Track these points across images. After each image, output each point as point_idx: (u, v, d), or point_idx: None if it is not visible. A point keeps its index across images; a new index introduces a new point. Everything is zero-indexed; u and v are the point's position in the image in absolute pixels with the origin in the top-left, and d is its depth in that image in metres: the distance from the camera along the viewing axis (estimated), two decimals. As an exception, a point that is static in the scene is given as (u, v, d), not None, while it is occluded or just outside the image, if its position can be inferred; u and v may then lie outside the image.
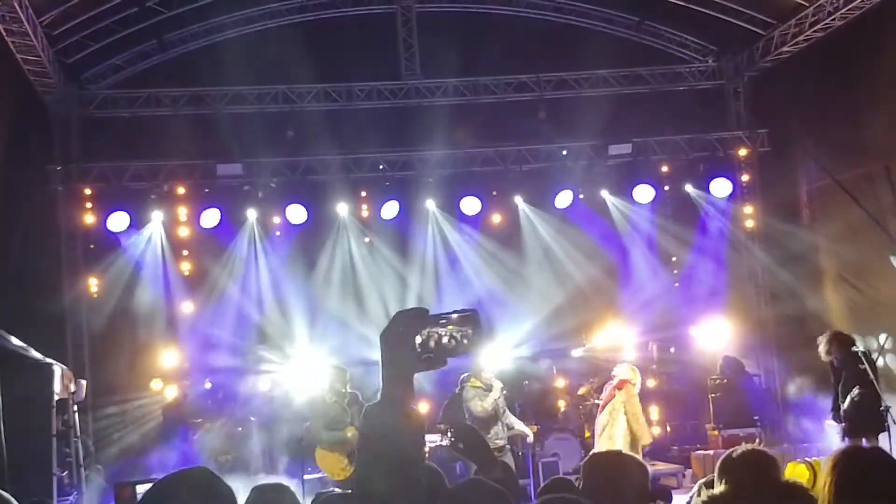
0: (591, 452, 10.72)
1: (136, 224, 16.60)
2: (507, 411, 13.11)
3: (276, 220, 17.24)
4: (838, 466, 3.75)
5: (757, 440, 14.09)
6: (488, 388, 12.93)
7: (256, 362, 16.52)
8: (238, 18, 17.20)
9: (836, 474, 3.72)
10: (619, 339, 16.53)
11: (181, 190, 16.71)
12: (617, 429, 12.85)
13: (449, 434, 14.04)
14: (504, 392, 13.08)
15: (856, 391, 11.49)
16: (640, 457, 12.16)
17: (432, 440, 13.91)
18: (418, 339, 2.65)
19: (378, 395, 2.67)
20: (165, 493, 2.97)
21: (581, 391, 15.75)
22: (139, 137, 16.80)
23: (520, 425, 13.24)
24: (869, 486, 3.62)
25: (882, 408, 11.48)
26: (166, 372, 16.25)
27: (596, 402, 14.83)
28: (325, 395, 13.02)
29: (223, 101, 17.09)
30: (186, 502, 2.94)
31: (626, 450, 12.44)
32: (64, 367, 14.46)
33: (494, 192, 17.61)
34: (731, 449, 4.80)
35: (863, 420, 11.49)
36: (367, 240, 17.69)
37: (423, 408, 16.24)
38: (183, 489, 2.94)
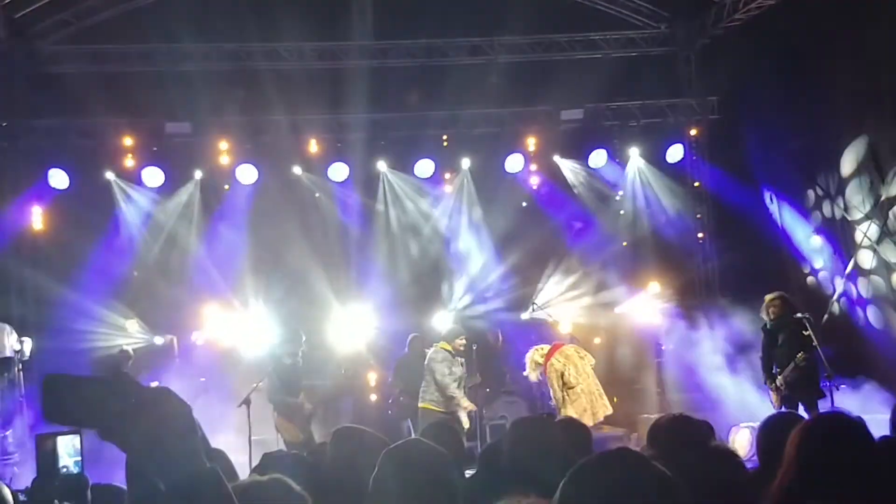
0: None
1: (80, 181, 16.44)
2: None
3: (226, 182, 17.16)
4: (804, 436, 3.65)
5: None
6: (455, 353, 13.00)
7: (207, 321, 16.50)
8: (189, -26, 16.95)
9: (801, 445, 3.62)
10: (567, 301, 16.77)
11: (129, 155, 16.59)
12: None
13: (400, 397, 14.22)
14: (464, 369, 13.20)
15: (801, 356, 11.59)
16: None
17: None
18: None
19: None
20: None
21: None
22: (87, 94, 16.50)
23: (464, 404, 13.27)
24: (836, 456, 3.52)
25: (825, 374, 11.67)
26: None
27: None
28: (281, 356, 13.00)
29: (172, 58, 16.86)
30: None
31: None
32: (7, 325, 14.34)
33: (446, 155, 17.64)
34: (660, 415, 4.89)
35: (804, 388, 11.65)
36: (317, 195, 17.61)
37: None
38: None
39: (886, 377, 13.82)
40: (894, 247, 14.40)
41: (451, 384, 12.78)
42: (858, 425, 3.64)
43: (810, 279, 16.87)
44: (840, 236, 15.87)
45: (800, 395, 11.62)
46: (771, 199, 17.48)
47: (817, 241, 16.57)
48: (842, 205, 15.45)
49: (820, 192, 16.14)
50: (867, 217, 14.63)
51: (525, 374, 13.41)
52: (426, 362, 13.10)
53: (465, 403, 12.87)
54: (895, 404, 5.51)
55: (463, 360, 13.12)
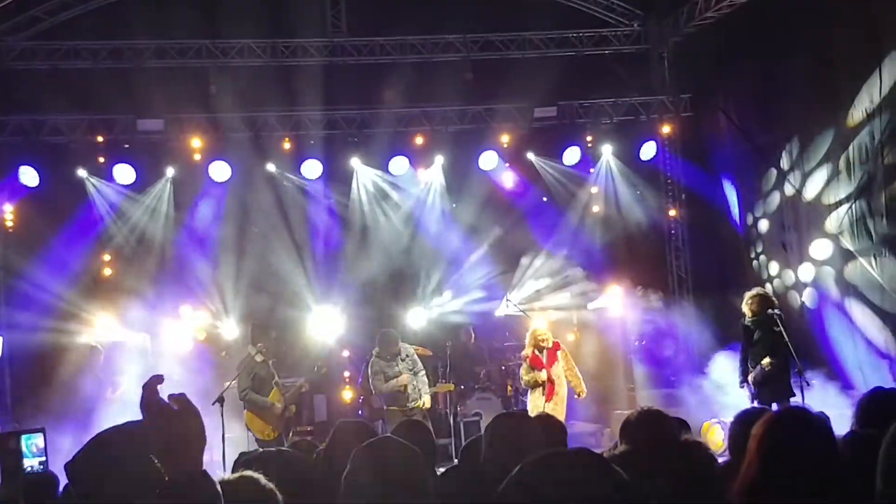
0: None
1: (51, 178, 16.36)
2: (420, 374, 13.26)
3: (199, 179, 17.08)
4: (765, 431, 3.67)
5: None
6: (394, 357, 13.04)
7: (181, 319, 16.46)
8: (161, -29, 16.86)
9: (762, 439, 3.64)
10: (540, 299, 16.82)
11: (101, 153, 16.53)
12: (563, 391, 13.09)
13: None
14: (410, 356, 13.22)
15: (767, 360, 11.75)
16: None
17: None
18: None
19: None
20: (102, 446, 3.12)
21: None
22: (58, 91, 16.40)
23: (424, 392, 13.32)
24: (796, 450, 3.55)
25: (796, 370, 11.78)
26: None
27: (520, 362, 14.97)
28: (254, 354, 12.95)
29: (145, 54, 16.77)
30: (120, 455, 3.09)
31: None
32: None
33: (420, 152, 17.67)
34: (632, 411, 4.92)
35: (772, 387, 11.76)
36: (290, 191, 17.52)
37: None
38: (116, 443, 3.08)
39: (817, 358, 14.03)
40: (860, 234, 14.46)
41: (384, 389, 13.01)
42: (819, 421, 3.69)
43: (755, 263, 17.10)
44: (795, 221, 16.00)
45: (770, 391, 11.73)
46: (736, 195, 17.63)
47: (764, 225, 16.78)
48: (809, 193, 15.51)
49: (782, 171, 16.19)
50: (846, 200, 14.64)
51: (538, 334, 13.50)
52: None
53: (392, 385, 13.03)
54: (860, 398, 5.56)
55: (406, 355, 13.20)
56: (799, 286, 15.87)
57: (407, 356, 13.25)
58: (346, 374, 16.38)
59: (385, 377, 13.01)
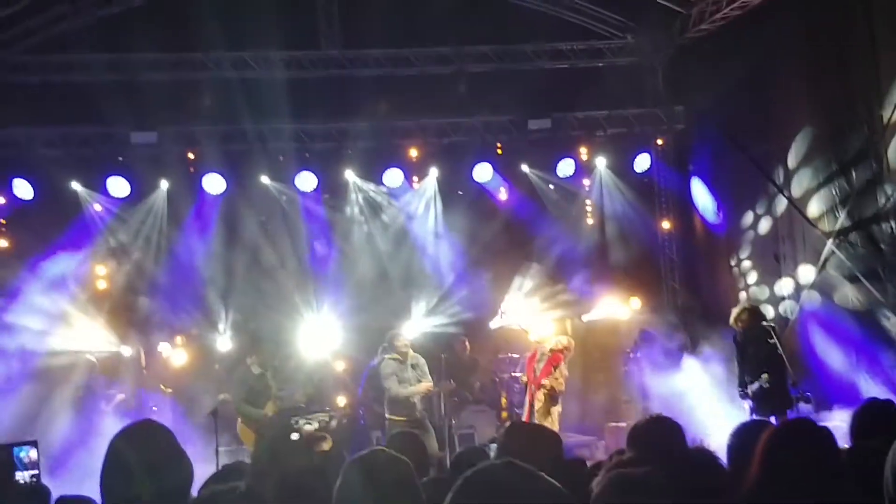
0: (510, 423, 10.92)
1: (45, 191, 16.32)
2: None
3: (193, 191, 17.05)
4: (771, 440, 3.76)
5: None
6: (404, 358, 13.05)
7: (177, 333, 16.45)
8: (154, -18, 16.85)
9: (767, 448, 3.73)
10: (535, 310, 16.78)
11: (95, 165, 16.51)
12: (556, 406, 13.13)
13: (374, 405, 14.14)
14: (419, 366, 13.23)
15: (766, 377, 11.72)
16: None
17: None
18: None
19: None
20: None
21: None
22: (52, 103, 16.41)
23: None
24: (801, 457, 3.63)
25: (790, 383, 11.80)
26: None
27: (514, 374, 14.97)
28: (251, 365, 12.93)
29: (138, 67, 16.76)
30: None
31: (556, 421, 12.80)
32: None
33: (414, 164, 17.67)
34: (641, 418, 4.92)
35: (770, 400, 11.75)
36: (285, 204, 17.49)
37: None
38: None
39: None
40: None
41: (405, 392, 12.99)
42: (823, 432, 3.71)
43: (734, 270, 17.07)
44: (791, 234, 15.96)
45: (768, 404, 11.73)
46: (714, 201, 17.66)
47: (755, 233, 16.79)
48: (807, 206, 15.47)
49: (777, 183, 16.16)
50: (847, 215, 14.56)
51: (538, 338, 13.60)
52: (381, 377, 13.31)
53: (423, 388, 13.06)
54: (855, 411, 5.56)
55: (415, 363, 13.26)
56: (782, 299, 15.87)
57: (416, 365, 13.28)
58: (342, 398, 16.31)
59: (399, 379, 13.01)
